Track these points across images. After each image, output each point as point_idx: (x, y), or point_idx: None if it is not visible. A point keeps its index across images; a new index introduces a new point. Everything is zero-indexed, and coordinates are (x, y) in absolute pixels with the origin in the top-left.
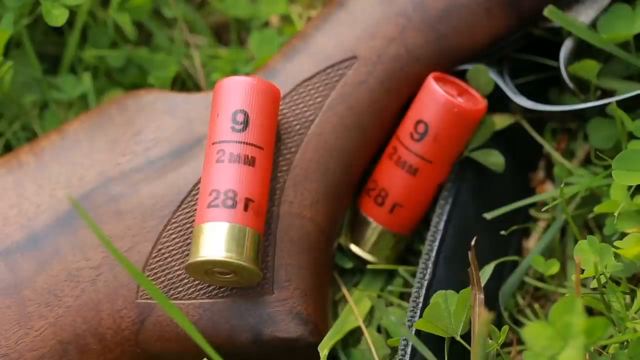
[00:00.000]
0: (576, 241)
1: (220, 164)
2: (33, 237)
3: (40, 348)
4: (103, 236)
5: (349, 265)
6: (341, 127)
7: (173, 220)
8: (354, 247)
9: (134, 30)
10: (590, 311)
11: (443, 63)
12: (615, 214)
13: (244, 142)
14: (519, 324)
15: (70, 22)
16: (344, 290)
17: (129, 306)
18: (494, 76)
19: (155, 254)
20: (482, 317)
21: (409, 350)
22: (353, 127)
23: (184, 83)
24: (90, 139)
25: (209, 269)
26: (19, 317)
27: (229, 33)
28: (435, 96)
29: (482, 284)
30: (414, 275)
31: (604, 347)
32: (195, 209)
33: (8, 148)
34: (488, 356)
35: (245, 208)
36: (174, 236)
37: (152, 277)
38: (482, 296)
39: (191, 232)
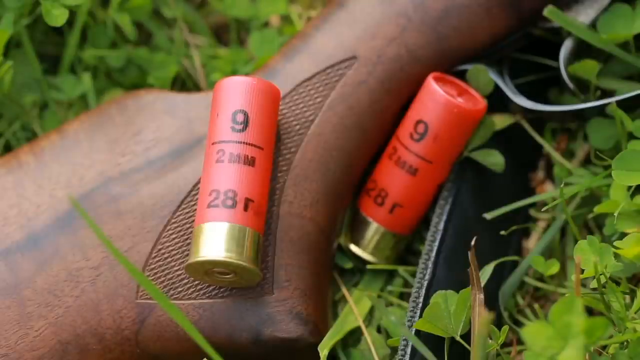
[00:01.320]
0: (576, 241)
1: (220, 164)
2: (33, 237)
3: (40, 348)
4: (103, 236)
5: (349, 265)
6: (341, 127)
7: (173, 220)
8: (354, 247)
9: (134, 30)
10: (590, 311)
11: (443, 63)
12: (615, 214)
13: (243, 142)
14: (519, 324)
15: (70, 22)
16: (344, 290)
17: (128, 306)
18: (494, 76)
19: (155, 254)
20: (482, 317)
21: (408, 350)
22: (353, 127)
23: (184, 83)
24: (90, 139)
25: (209, 269)
26: (18, 317)
27: (229, 33)
28: (435, 96)
29: (482, 284)
30: (413, 275)
31: (604, 347)
32: (195, 209)
33: (8, 148)
34: (488, 356)
35: (245, 208)
36: (173, 236)
37: (152, 277)
38: (482, 296)
39: (191, 232)
